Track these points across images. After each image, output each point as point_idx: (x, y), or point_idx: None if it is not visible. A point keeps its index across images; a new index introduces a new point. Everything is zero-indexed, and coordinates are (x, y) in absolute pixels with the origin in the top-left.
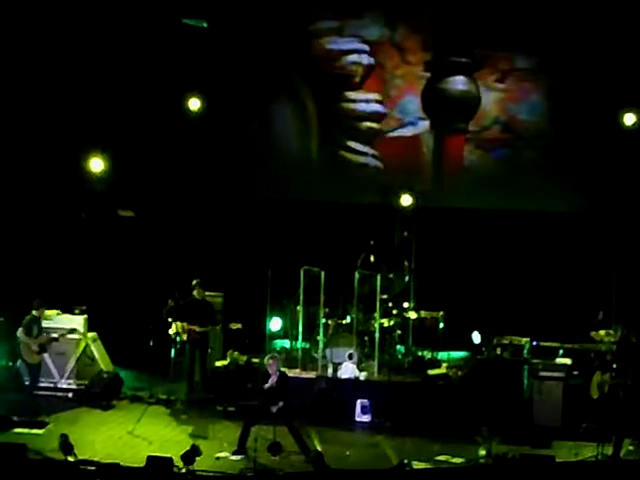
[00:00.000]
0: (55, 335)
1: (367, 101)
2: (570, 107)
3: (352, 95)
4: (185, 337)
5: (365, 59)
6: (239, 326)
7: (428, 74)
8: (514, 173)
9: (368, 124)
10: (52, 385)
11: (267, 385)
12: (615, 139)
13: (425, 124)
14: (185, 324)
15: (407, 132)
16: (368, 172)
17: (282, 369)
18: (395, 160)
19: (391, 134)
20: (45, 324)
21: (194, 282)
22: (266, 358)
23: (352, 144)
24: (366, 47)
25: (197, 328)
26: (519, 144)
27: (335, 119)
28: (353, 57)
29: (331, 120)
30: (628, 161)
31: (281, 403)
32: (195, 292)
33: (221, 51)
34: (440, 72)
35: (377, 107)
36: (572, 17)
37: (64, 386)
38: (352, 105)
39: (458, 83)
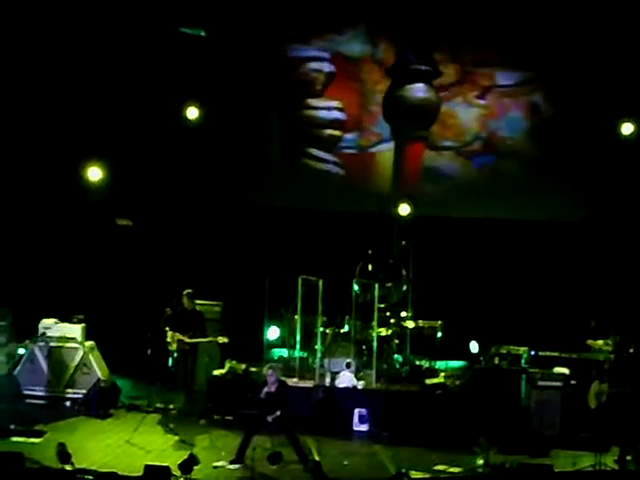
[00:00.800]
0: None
1: (328, 108)
2: (564, 119)
3: (314, 102)
4: (175, 347)
5: (326, 67)
6: (225, 340)
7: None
8: (500, 181)
9: (329, 131)
10: (49, 394)
11: (263, 394)
12: (612, 149)
13: None
14: (176, 334)
15: (386, 147)
16: (334, 179)
17: (281, 378)
18: (357, 169)
19: (372, 149)
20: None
21: (184, 292)
22: (265, 368)
23: (314, 151)
24: (326, 55)
25: (186, 339)
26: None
27: (299, 126)
28: (314, 64)
29: (295, 127)
30: (626, 170)
31: (278, 412)
32: (185, 302)
33: (219, 60)
34: (400, 79)
35: (338, 114)
36: (563, 29)
37: (61, 395)
38: (314, 112)
39: (417, 91)
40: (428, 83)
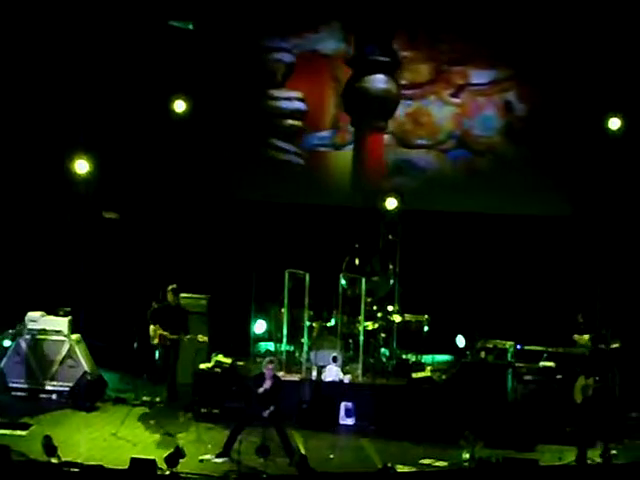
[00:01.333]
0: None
1: (289, 99)
2: (541, 116)
3: (275, 93)
4: (156, 341)
5: (287, 57)
6: (205, 339)
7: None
8: (477, 177)
9: (290, 122)
10: (35, 386)
11: (261, 390)
12: (593, 144)
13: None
14: (158, 328)
15: None
16: (295, 170)
17: (276, 373)
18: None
19: (347, 148)
20: (31, 325)
21: (169, 288)
22: (264, 362)
23: (277, 142)
24: (287, 45)
25: (168, 335)
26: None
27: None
28: (275, 55)
29: (259, 118)
30: (610, 165)
31: (272, 407)
32: (169, 298)
33: (207, 53)
34: (360, 70)
35: (299, 105)
36: (540, 24)
37: (48, 388)
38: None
39: (378, 82)
40: (388, 74)
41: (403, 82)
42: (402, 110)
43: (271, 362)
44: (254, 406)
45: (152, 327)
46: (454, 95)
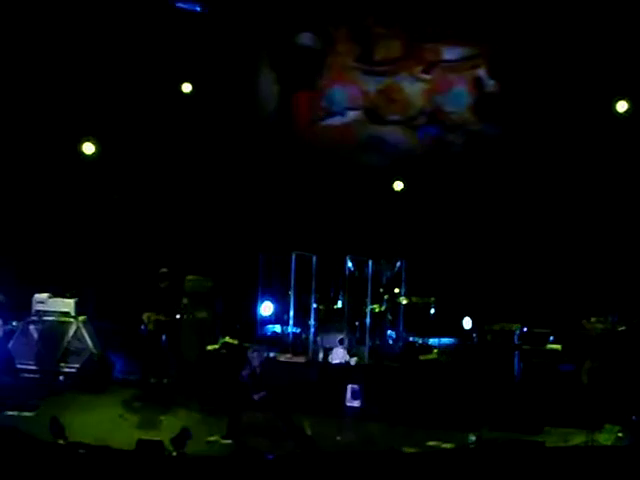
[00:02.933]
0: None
1: None
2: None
3: None
4: (151, 327)
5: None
6: (205, 315)
7: (358, 64)
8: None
9: None
10: (42, 368)
11: (244, 377)
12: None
13: (353, 114)
14: (152, 314)
15: (335, 122)
16: None
17: (264, 358)
18: None
19: (321, 123)
20: (38, 307)
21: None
22: (250, 351)
23: None
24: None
25: (162, 317)
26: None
27: None
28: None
29: None
30: (621, 148)
31: (263, 392)
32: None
33: (214, 35)
34: (288, 27)
35: None
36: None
37: (55, 369)
38: None
39: (306, 39)
40: (315, 33)
41: (376, 58)
42: (374, 86)
43: (255, 351)
44: (245, 392)
45: (145, 314)
46: (425, 71)
